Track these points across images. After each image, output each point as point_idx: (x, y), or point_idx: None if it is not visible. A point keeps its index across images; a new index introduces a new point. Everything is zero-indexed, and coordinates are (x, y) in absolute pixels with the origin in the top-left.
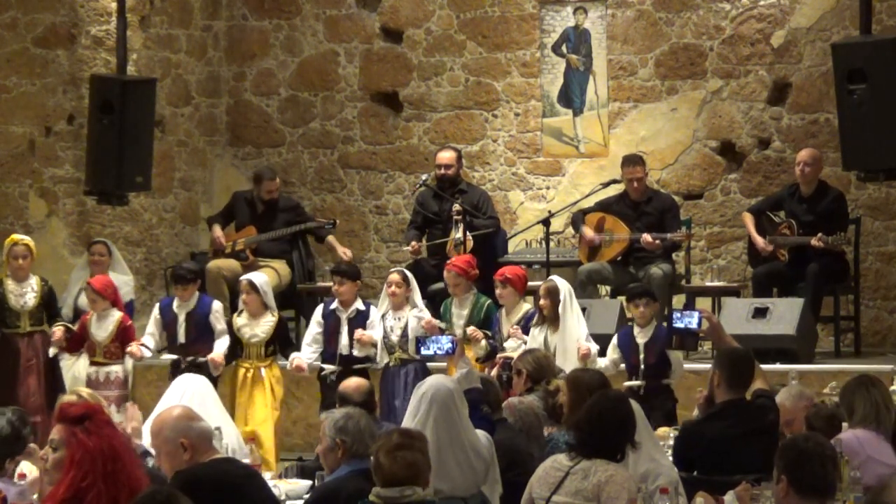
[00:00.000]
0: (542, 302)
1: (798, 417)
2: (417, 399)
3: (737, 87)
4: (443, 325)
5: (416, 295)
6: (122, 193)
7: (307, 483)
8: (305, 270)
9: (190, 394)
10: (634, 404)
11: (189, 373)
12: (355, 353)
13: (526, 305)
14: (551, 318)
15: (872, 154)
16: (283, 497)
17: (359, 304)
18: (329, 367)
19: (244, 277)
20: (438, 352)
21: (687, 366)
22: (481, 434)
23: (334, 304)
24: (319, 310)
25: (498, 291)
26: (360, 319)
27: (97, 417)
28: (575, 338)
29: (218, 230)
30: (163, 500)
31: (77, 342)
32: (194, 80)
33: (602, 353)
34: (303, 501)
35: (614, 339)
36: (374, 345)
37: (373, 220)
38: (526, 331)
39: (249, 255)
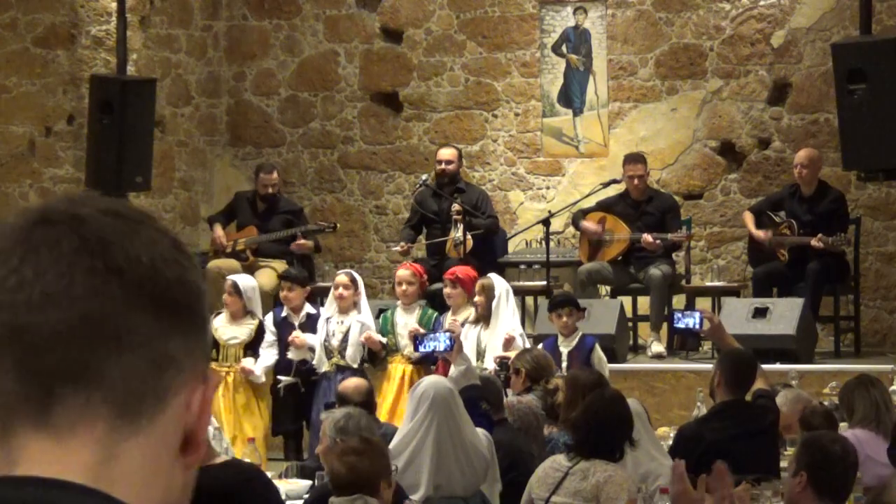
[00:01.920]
0: (476, 299)
1: (795, 423)
2: (416, 400)
3: (737, 87)
4: (384, 340)
5: (363, 300)
6: (122, 193)
7: (307, 483)
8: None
9: None
10: (634, 404)
11: None
12: (289, 356)
13: (472, 309)
14: (484, 316)
15: (872, 154)
16: (283, 497)
17: (308, 309)
18: (286, 379)
19: (230, 277)
20: (437, 349)
21: (686, 365)
22: (481, 432)
23: (285, 312)
24: (270, 318)
25: (447, 291)
26: (310, 323)
27: None
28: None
29: (219, 230)
30: None
31: None
32: (194, 80)
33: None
34: (303, 501)
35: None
36: (311, 349)
37: (373, 220)
38: None
39: (249, 255)
